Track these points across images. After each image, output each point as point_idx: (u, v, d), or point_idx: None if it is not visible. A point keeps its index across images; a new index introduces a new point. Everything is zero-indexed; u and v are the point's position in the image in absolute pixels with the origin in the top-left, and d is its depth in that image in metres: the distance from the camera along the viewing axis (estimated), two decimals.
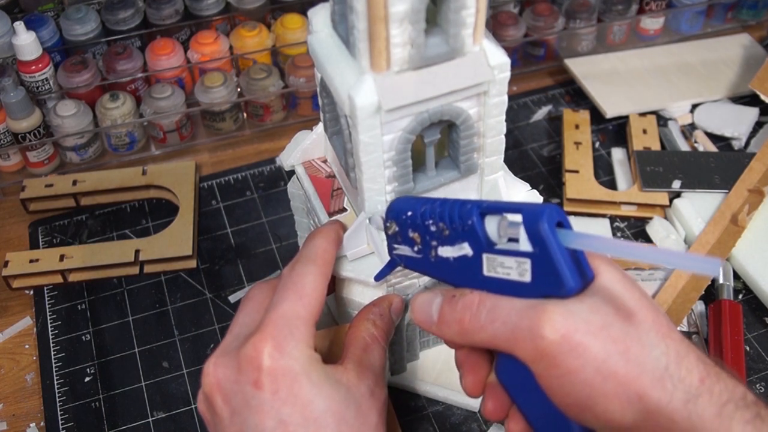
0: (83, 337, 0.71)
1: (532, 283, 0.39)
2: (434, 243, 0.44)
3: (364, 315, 0.51)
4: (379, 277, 0.52)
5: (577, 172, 0.81)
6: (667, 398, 0.37)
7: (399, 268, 0.51)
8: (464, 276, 0.43)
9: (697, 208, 0.76)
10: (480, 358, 0.46)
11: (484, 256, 0.41)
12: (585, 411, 0.39)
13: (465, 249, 0.42)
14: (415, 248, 0.46)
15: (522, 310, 0.39)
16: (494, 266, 0.41)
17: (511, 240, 0.40)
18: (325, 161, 0.61)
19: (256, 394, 0.43)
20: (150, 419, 0.65)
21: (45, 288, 0.75)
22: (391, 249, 0.48)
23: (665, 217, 0.78)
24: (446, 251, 0.43)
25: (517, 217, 0.40)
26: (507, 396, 0.44)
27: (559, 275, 0.38)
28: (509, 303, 0.40)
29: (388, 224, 0.48)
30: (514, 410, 0.45)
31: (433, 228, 0.44)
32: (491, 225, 0.41)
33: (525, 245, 0.39)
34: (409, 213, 0.46)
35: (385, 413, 0.47)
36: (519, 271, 0.40)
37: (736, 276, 0.72)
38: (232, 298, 0.74)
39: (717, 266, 0.33)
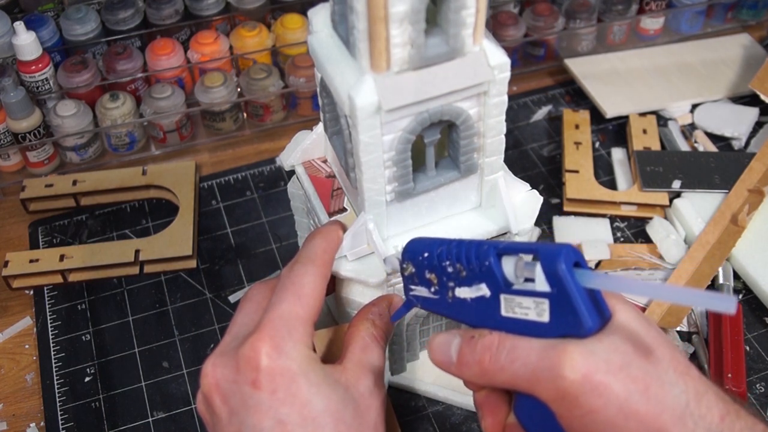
0: (83, 337, 0.71)
1: (551, 323, 0.39)
2: (451, 284, 0.44)
3: (363, 315, 0.51)
4: (395, 318, 0.52)
5: (577, 172, 0.81)
6: None
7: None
8: (482, 316, 0.43)
9: (697, 208, 0.76)
10: (499, 399, 0.46)
11: (502, 296, 0.41)
12: None
13: (482, 290, 0.42)
14: (432, 289, 0.46)
15: (542, 351, 0.39)
16: (512, 306, 0.41)
17: (527, 280, 0.41)
18: (325, 161, 0.61)
19: (254, 394, 0.43)
20: (150, 419, 0.65)
21: (45, 288, 0.75)
22: (407, 290, 0.48)
23: (665, 217, 0.78)
24: (463, 292, 0.43)
25: (534, 258, 0.40)
26: None
27: (577, 315, 0.38)
28: (528, 343, 0.40)
29: (404, 265, 0.48)
30: None
31: (449, 269, 0.44)
32: (508, 265, 0.41)
33: (542, 285, 0.39)
34: (426, 254, 0.46)
35: (384, 413, 0.47)
36: (537, 311, 0.40)
37: (736, 276, 0.72)
38: (232, 298, 0.74)
39: (733, 304, 0.33)
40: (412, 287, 0.48)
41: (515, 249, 0.41)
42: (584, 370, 0.38)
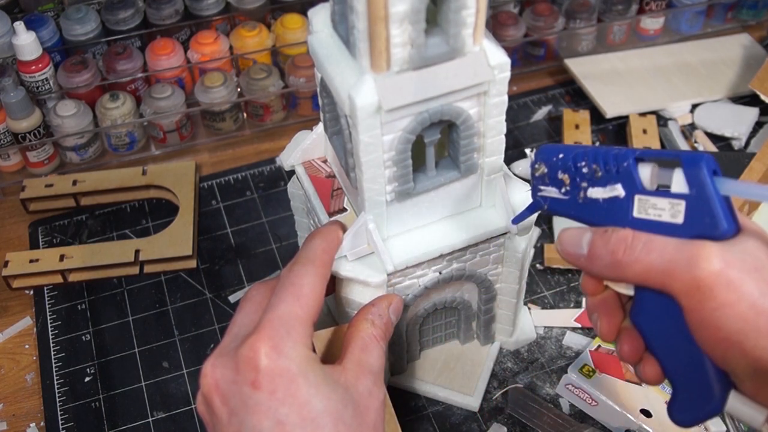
0: (83, 337, 0.71)
1: (685, 225, 0.41)
2: (584, 184, 0.45)
3: (363, 315, 0.51)
4: (517, 220, 0.53)
5: None
6: None
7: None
8: (613, 217, 0.44)
9: None
10: (614, 302, 0.47)
11: (637, 197, 0.43)
12: (733, 346, 0.39)
13: (617, 190, 0.43)
14: (563, 190, 0.47)
15: (679, 244, 0.40)
16: (646, 208, 0.42)
17: (661, 187, 0.42)
18: (325, 161, 0.61)
19: (253, 395, 0.43)
20: (150, 419, 0.65)
21: (45, 288, 0.75)
22: (536, 191, 0.49)
23: None
24: (596, 192, 0.44)
25: (671, 165, 0.42)
26: (641, 340, 0.45)
27: (714, 217, 0.40)
28: (664, 239, 0.41)
29: (536, 165, 0.48)
30: (647, 355, 0.45)
31: (584, 169, 0.45)
32: (644, 171, 0.43)
33: (681, 187, 0.41)
34: (561, 155, 0.46)
35: (384, 413, 0.47)
36: (672, 212, 0.41)
37: None
38: (232, 298, 0.74)
39: None
40: (541, 188, 0.48)
41: (653, 155, 0.43)
42: (721, 264, 0.38)
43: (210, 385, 0.44)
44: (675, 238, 0.41)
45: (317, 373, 0.44)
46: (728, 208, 0.40)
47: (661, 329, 0.43)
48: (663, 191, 0.42)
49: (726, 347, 0.39)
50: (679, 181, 0.41)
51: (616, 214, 0.44)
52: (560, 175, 0.46)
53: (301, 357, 0.44)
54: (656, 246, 0.41)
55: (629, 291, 0.45)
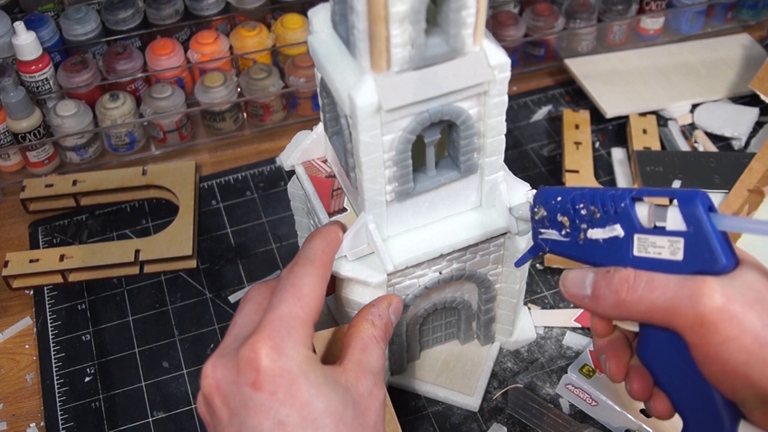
0: (83, 337, 0.71)
1: (684, 261, 0.42)
2: (584, 226, 0.46)
3: (363, 315, 0.51)
4: (520, 263, 0.54)
5: (577, 172, 0.81)
6: None
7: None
8: (612, 257, 0.44)
9: None
10: (622, 343, 0.47)
11: (636, 236, 0.43)
12: (741, 379, 0.39)
13: (616, 230, 0.44)
14: (563, 232, 0.47)
15: (680, 281, 0.41)
16: (645, 246, 0.43)
17: (658, 226, 0.43)
18: (325, 161, 0.61)
19: (254, 395, 0.42)
20: (150, 419, 0.65)
21: (45, 288, 0.75)
22: (536, 234, 0.50)
23: None
24: (596, 233, 0.45)
25: (666, 203, 0.43)
26: (650, 377, 0.46)
27: (713, 252, 0.41)
28: (665, 276, 0.42)
29: (536, 209, 0.49)
30: (657, 391, 0.46)
31: (583, 211, 0.46)
32: (642, 210, 0.43)
33: (679, 225, 0.42)
34: (559, 198, 0.47)
35: (384, 413, 0.47)
36: (671, 249, 0.42)
37: None
38: (232, 298, 0.74)
39: None
40: (542, 231, 0.49)
41: (649, 193, 0.44)
42: (723, 298, 0.39)
43: (211, 386, 0.44)
44: (676, 275, 0.41)
45: (318, 373, 0.44)
46: (726, 243, 0.41)
47: (669, 364, 0.44)
48: (661, 229, 0.43)
49: (733, 380, 0.40)
50: (676, 219, 0.42)
51: (616, 253, 0.44)
52: (560, 218, 0.47)
53: (301, 357, 0.44)
54: (658, 284, 0.41)
55: (634, 327, 0.46)
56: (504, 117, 0.52)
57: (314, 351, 0.46)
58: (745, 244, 0.72)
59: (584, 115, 0.88)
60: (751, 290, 0.40)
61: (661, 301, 0.41)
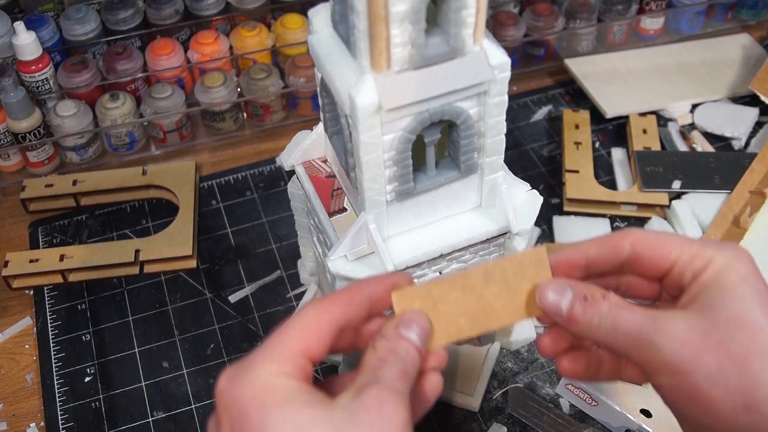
0: (83, 337, 0.71)
1: None
2: None
3: (366, 342, 0.44)
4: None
5: (577, 172, 0.81)
6: None
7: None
8: None
9: (696, 209, 0.76)
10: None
11: None
12: (688, 408, 0.41)
13: None
14: None
15: (644, 323, 0.42)
16: None
17: None
18: (325, 161, 0.61)
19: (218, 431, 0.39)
20: (150, 419, 0.65)
21: (45, 288, 0.75)
22: None
23: (665, 218, 0.78)
24: None
25: None
26: (568, 337, 0.47)
27: None
28: (632, 315, 0.43)
29: None
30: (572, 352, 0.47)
31: None
32: None
33: None
34: None
35: (393, 428, 0.37)
36: None
37: None
38: (232, 298, 0.74)
39: None
40: None
41: None
42: (677, 344, 0.40)
43: None
44: (644, 314, 0.42)
45: (279, 395, 0.37)
46: None
47: None
48: None
49: (681, 406, 0.42)
50: None
51: None
52: None
53: (257, 382, 0.38)
54: (623, 325, 0.43)
55: None
56: (504, 117, 0.52)
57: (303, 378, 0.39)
58: (747, 243, 0.72)
59: (584, 115, 0.88)
60: (720, 330, 0.40)
61: (623, 342, 0.43)
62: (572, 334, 0.47)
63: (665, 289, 0.46)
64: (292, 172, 0.63)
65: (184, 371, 0.68)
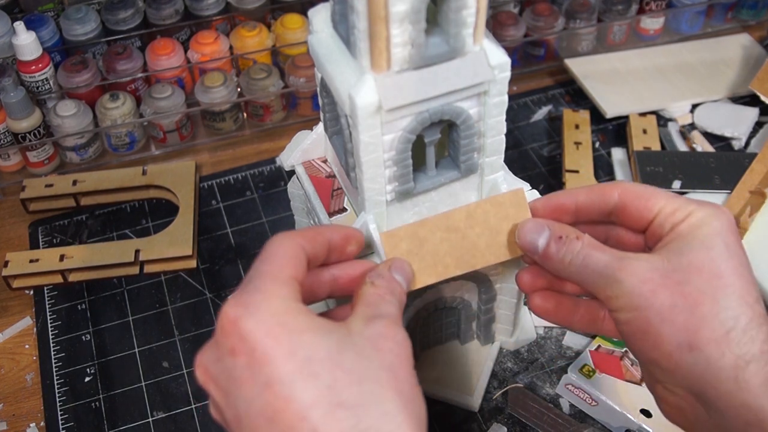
0: (83, 337, 0.71)
1: None
2: None
3: (362, 280, 0.47)
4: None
5: (577, 172, 0.81)
6: (717, 356, 0.41)
7: None
8: None
9: None
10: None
11: None
12: (639, 342, 0.44)
13: None
14: None
15: (610, 262, 0.45)
16: None
17: None
18: (325, 161, 0.61)
19: (235, 363, 0.38)
20: (150, 419, 0.65)
21: (45, 288, 0.75)
22: None
23: None
24: None
25: None
26: (546, 277, 0.51)
27: None
28: (601, 255, 0.46)
29: None
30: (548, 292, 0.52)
31: None
32: None
33: None
34: None
35: (409, 356, 0.41)
36: None
37: None
38: None
39: None
40: None
41: None
42: (638, 279, 0.43)
43: (201, 375, 0.41)
44: (612, 255, 0.45)
45: (300, 319, 0.39)
46: None
47: None
48: None
49: (632, 341, 0.45)
50: None
51: None
52: None
53: (276, 307, 0.39)
54: (591, 262, 0.46)
55: None
56: (504, 117, 0.52)
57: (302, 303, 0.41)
58: (747, 243, 0.72)
59: (584, 115, 0.88)
60: (680, 273, 0.43)
61: (591, 279, 0.46)
62: (549, 273, 0.50)
63: (647, 241, 0.48)
64: (292, 172, 0.63)
65: (184, 371, 0.68)
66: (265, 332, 0.38)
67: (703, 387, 0.41)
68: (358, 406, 0.37)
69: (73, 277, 0.75)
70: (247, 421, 0.38)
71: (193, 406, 0.66)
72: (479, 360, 0.66)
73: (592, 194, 0.49)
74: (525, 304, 0.70)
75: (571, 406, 0.64)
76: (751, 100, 0.89)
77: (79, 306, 0.74)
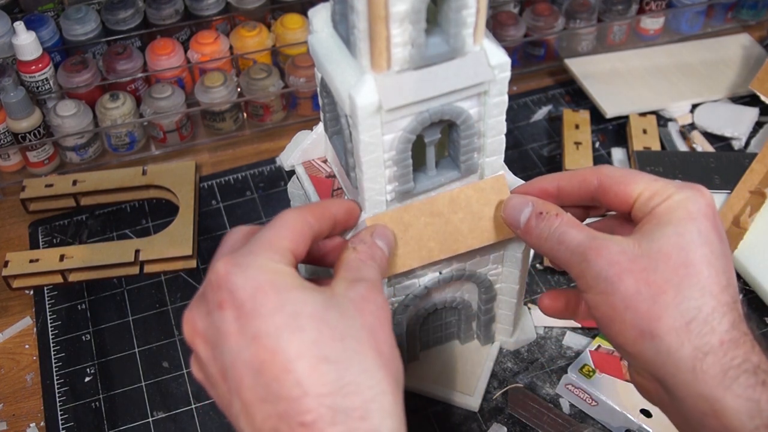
0: (83, 337, 0.71)
1: None
2: None
3: (344, 245, 0.48)
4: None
5: None
6: (677, 346, 0.41)
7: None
8: None
9: None
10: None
11: None
12: (606, 327, 0.44)
13: None
14: None
15: (583, 241, 0.45)
16: None
17: None
18: (325, 161, 0.61)
19: (224, 317, 0.39)
20: (150, 419, 0.65)
21: (45, 288, 0.75)
22: None
23: None
24: None
25: None
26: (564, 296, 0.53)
27: None
28: (577, 233, 0.46)
29: None
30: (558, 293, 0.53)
31: None
32: None
33: None
34: None
35: (388, 319, 0.42)
36: None
37: (738, 276, 0.72)
38: None
39: None
40: None
41: None
42: (607, 262, 0.43)
43: (189, 331, 0.41)
44: (586, 234, 0.46)
45: (289, 280, 0.40)
46: None
47: None
48: None
49: (600, 325, 0.45)
50: None
51: None
52: None
53: (267, 267, 0.40)
54: (566, 239, 0.46)
55: None
56: (504, 117, 0.52)
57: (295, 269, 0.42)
58: (747, 243, 0.72)
59: (584, 115, 0.88)
60: (647, 259, 0.43)
61: (564, 255, 0.46)
62: (565, 293, 0.52)
63: (635, 224, 0.48)
64: (292, 172, 0.63)
65: (184, 371, 0.68)
66: (255, 287, 0.39)
67: (664, 375, 0.42)
68: (340, 362, 0.38)
69: (73, 277, 0.75)
70: (232, 372, 0.38)
71: (193, 406, 0.66)
72: (479, 360, 0.66)
73: (574, 180, 0.50)
74: (525, 304, 0.70)
75: (571, 406, 0.64)
76: (751, 100, 0.89)
77: (79, 306, 0.74)
